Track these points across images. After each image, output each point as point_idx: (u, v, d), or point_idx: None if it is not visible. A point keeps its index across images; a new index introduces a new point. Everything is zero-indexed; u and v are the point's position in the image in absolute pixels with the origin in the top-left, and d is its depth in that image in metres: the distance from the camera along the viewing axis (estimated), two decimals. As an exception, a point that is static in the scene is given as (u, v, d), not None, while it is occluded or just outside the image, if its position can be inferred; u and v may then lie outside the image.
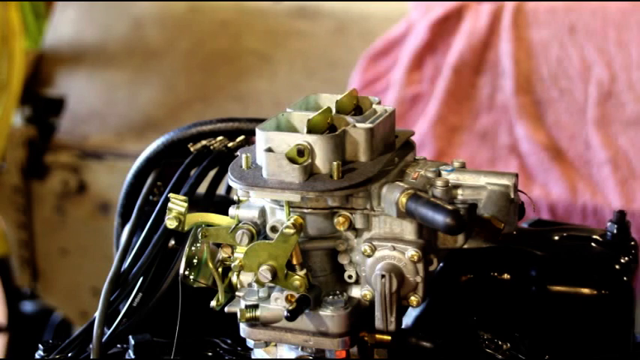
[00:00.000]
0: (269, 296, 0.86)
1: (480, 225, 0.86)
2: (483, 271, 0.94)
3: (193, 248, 0.88)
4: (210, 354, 1.01)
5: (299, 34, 2.64)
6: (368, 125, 0.84)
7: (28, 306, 2.75)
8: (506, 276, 0.94)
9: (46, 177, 2.55)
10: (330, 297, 0.86)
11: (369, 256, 0.84)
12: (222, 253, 0.87)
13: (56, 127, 2.62)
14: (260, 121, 0.92)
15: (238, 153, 0.88)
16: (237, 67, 2.63)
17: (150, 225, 0.98)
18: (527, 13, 2.18)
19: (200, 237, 0.86)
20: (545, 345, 0.93)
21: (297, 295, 0.83)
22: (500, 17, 2.18)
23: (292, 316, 0.82)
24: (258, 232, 0.85)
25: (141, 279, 0.96)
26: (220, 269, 0.87)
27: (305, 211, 0.83)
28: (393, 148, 0.88)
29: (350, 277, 0.87)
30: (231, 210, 0.87)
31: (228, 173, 0.85)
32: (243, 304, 0.86)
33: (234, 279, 0.88)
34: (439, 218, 0.78)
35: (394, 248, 0.83)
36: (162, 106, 2.61)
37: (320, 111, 0.85)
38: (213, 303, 0.87)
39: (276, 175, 0.82)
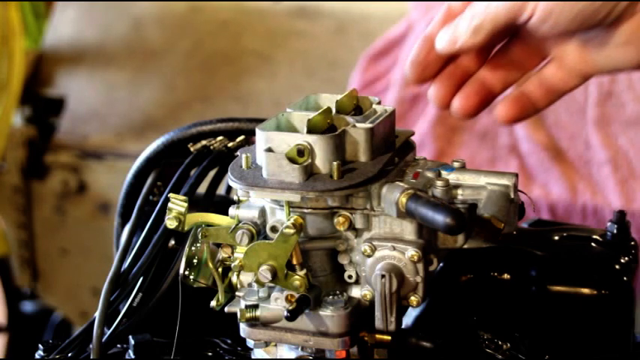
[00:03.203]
0: (269, 296, 0.86)
1: (480, 225, 0.86)
2: (483, 271, 0.94)
3: (193, 248, 0.88)
4: (210, 354, 1.01)
5: (299, 34, 2.64)
6: (368, 125, 0.84)
7: (28, 306, 2.75)
8: (506, 276, 0.94)
9: (46, 177, 2.56)
10: (330, 297, 0.86)
11: (369, 256, 0.84)
12: (222, 253, 0.87)
13: (56, 127, 2.62)
14: (260, 121, 0.92)
15: (238, 153, 0.88)
16: (237, 67, 2.63)
17: (150, 225, 0.98)
18: (527, 13, 2.17)
19: (200, 237, 0.86)
20: (545, 345, 0.93)
21: (297, 295, 0.83)
22: (500, 17, 2.18)
23: (292, 316, 0.82)
24: (258, 232, 0.85)
25: (141, 279, 0.96)
26: (220, 269, 0.87)
27: (305, 211, 0.83)
28: (393, 148, 0.88)
29: (350, 277, 0.87)
30: (231, 210, 0.87)
31: (228, 173, 0.85)
32: (243, 304, 0.86)
33: (234, 279, 0.88)
34: (439, 218, 0.78)
35: (394, 248, 0.83)
36: (162, 106, 2.61)
37: (320, 111, 0.85)
38: (213, 303, 0.87)
39: (276, 175, 0.82)
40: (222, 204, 0.93)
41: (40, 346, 0.98)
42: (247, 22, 2.71)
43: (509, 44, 0.94)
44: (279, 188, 0.81)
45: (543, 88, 0.93)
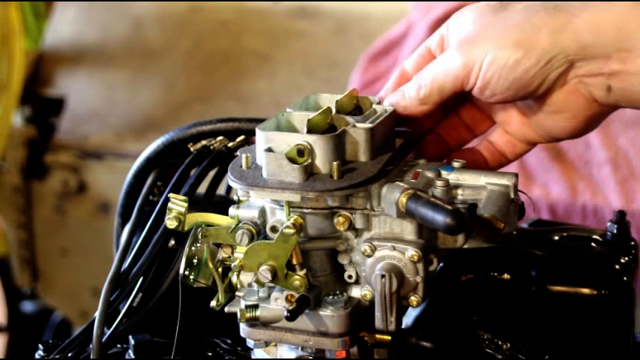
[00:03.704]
0: (269, 296, 0.86)
1: (480, 225, 0.86)
2: (483, 271, 0.94)
3: (193, 248, 0.88)
4: (210, 354, 1.01)
5: (299, 34, 2.64)
6: (368, 125, 0.84)
7: (28, 306, 2.75)
8: (506, 276, 0.94)
9: (46, 177, 2.56)
10: (330, 297, 0.86)
11: (369, 256, 0.84)
12: (222, 253, 0.87)
13: (56, 127, 2.62)
14: (260, 121, 0.92)
15: (238, 153, 0.88)
16: (237, 67, 2.63)
17: (150, 225, 0.98)
18: (527, 13, 2.17)
19: (200, 237, 0.86)
20: (545, 345, 0.93)
21: (297, 295, 0.83)
22: (500, 17, 2.17)
23: (292, 316, 0.82)
24: (258, 232, 0.85)
25: (141, 279, 0.96)
26: (220, 269, 0.87)
27: (305, 211, 0.83)
28: (393, 148, 0.88)
29: (350, 277, 0.87)
30: (231, 210, 0.87)
31: (228, 173, 0.85)
32: (243, 304, 0.86)
33: (234, 279, 0.88)
34: (439, 218, 0.78)
35: (394, 248, 0.83)
36: (163, 106, 2.61)
37: (320, 111, 0.85)
38: (213, 303, 0.87)
39: (276, 175, 0.82)
40: (222, 204, 0.93)
41: (40, 346, 0.98)
42: (247, 22, 2.71)
43: (462, 107, 1.00)
44: (279, 188, 0.81)
45: (492, 150, 0.99)
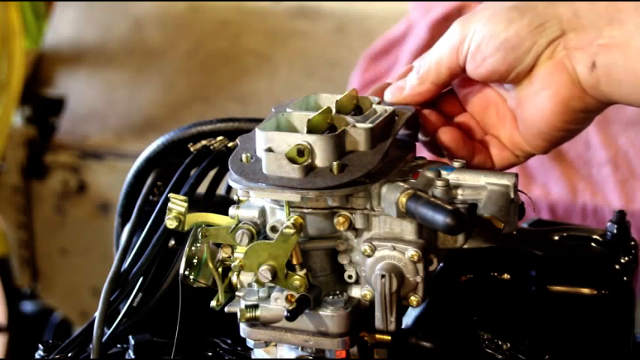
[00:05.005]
0: (269, 296, 0.86)
1: (480, 225, 0.86)
2: (483, 271, 0.94)
3: (193, 248, 0.88)
4: (210, 354, 1.01)
5: (299, 34, 2.64)
6: (368, 125, 0.84)
7: (28, 306, 2.75)
8: (506, 276, 0.94)
9: (46, 177, 2.56)
10: (330, 297, 0.86)
11: (369, 256, 0.84)
12: (222, 253, 0.87)
13: (56, 127, 2.62)
14: (260, 121, 0.92)
15: (238, 141, 0.88)
16: (237, 67, 2.63)
17: (150, 225, 0.98)
18: (527, 13, 2.17)
19: (200, 237, 0.86)
20: (545, 345, 0.93)
21: (297, 295, 0.83)
22: (500, 17, 2.17)
23: (292, 316, 0.82)
24: (258, 232, 0.85)
25: (141, 279, 0.96)
26: (220, 269, 0.87)
27: (305, 211, 0.83)
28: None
29: (350, 277, 0.87)
30: (231, 210, 0.87)
31: (229, 167, 0.85)
32: (243, 304, 0.86)
33: (234, 279, 0.88)
34: (439, 218, 0.78)
35: (394, 248, 0.83)
36: (163, 106, 2.61)
37: (320, 111, 0.85)
38: (213, 303, 0.87)
39: (276, 175, 0.82)
40: (222, 204, 0.93)
41: (40, 346, 0.98)
42: (247, 22, 2.71)
43: (458, 93, 0.99)
44: (279, 188, 0.81)
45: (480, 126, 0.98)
